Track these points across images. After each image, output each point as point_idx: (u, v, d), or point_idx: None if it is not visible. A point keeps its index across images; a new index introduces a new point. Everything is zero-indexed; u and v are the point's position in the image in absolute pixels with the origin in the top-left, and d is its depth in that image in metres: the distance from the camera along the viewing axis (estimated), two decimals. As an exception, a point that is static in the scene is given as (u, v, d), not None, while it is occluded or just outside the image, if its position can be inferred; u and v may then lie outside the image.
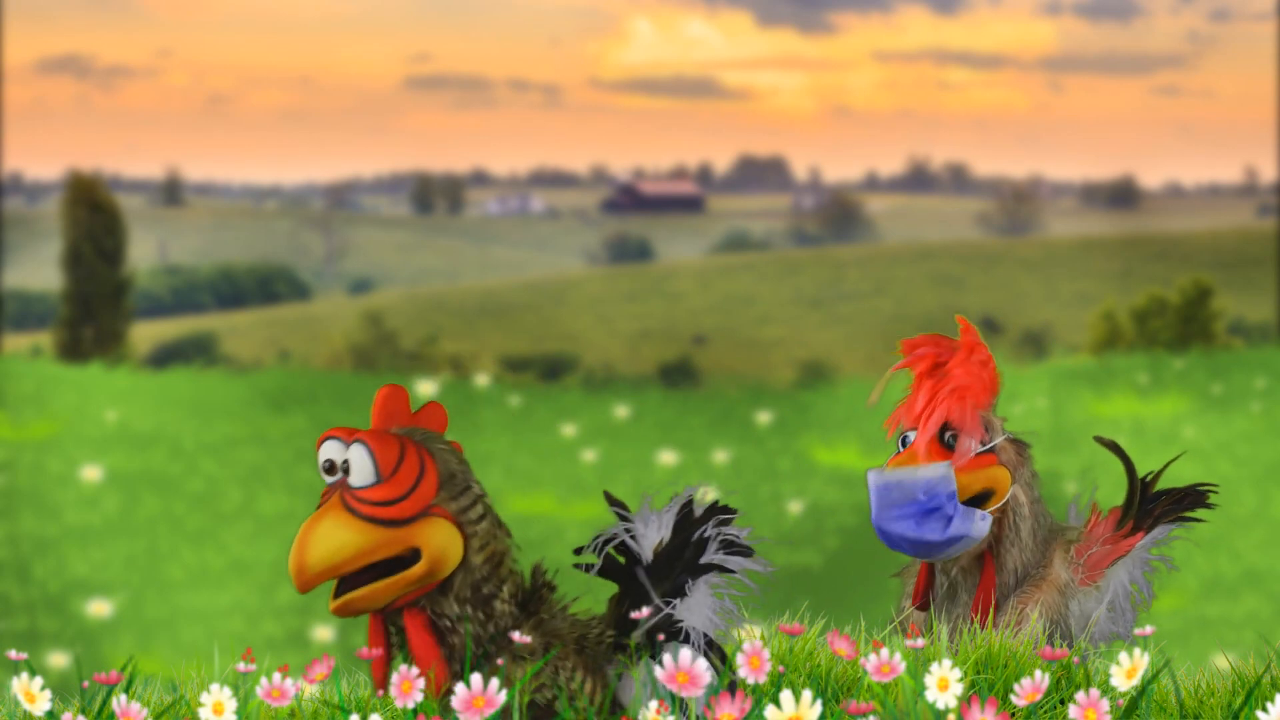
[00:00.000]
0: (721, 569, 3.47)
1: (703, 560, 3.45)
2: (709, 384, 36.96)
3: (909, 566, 4.21)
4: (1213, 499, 4.16)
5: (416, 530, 3.26)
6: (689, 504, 3.48)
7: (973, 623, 3.98)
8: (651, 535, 3.46)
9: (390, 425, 3.35)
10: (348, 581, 3.29)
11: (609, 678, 3.36)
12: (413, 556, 3.27)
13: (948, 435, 3.98)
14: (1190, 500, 4.16)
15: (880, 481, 3.94)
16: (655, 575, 3.42)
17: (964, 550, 3.97)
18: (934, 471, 3.91)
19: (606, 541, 3.46)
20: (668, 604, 3.41)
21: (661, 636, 3.40)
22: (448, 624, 3.32)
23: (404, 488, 3.26)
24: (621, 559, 3.46)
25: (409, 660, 3.34)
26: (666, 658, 3.20)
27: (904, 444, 4.03)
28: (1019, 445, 4.06)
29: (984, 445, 3.98)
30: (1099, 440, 4.20)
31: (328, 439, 3.30)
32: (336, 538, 3.23)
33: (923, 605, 4.10)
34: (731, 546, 3.48)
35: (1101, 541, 4.07)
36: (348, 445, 3.28)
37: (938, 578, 4.09)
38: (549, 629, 3.37)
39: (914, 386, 4.05)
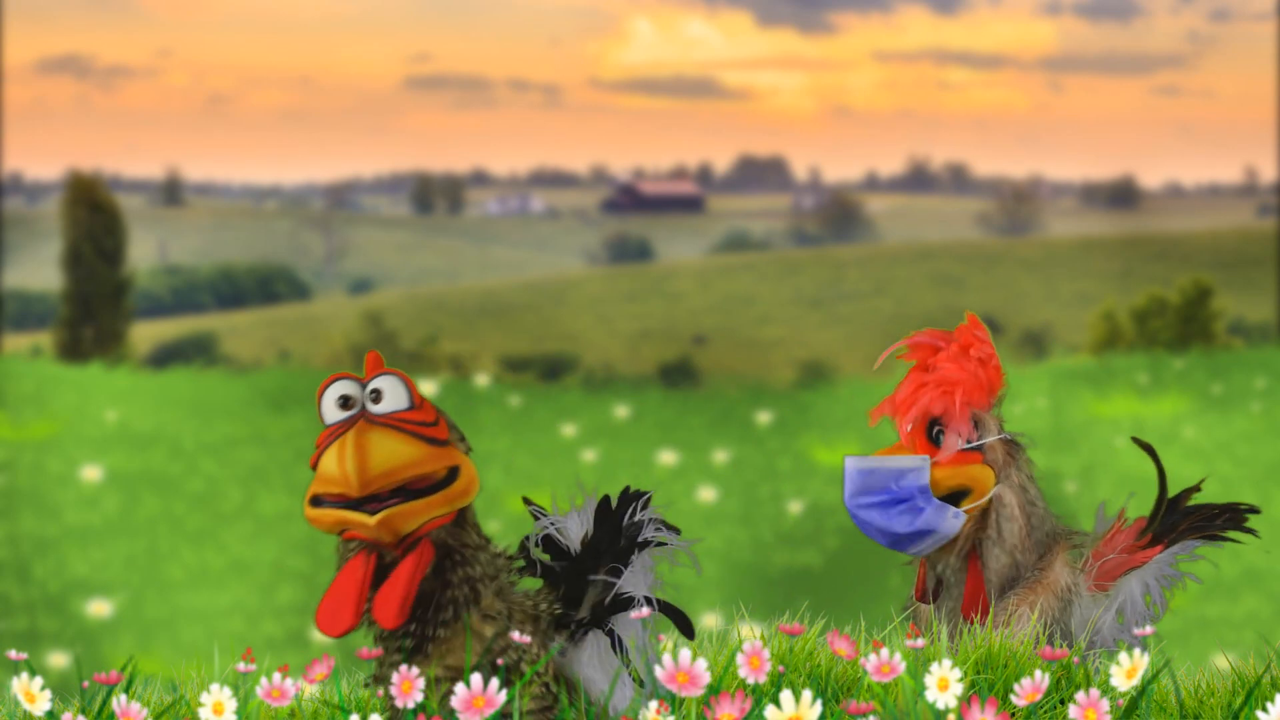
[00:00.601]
0: (660, 544, 3.57)
1: (641, 538, 3.54)
2: (709, 384, 36.97)
3: (915, 560, 4.21)
4: (1251, 521, 4.11)
5: (453, 452, 3.37)
6: (604, 498, 3.57)
7: (964, 622, 3.98)
8: (575, 529, 3.54)
9: None
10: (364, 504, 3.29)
11: (551, 650, 3.42)
12: (449, 477, 3.35)
13: (935, 430, 3.98)
14: (1225, 520, 4.12)
15: (856, 467, 3.97)
16: (593, 557, 3.50)
17: (937, 545, 3.97)
18: (909, 463, 3.93)
19: (534, 540, 3.55)
20: (613, 578, 3.48)
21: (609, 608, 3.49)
22: (468, 552, 3.37)
23: (433, 415, 3.36)
24: (548, 557, 3.53)
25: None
26: (666, 658, 3.21)
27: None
28: (1011, 446, 4.04)
29: (969, 443, 3.97)
30: (1136, 442, 4.18)
31: (339, 379, 3.37)
32: (390, 445, 3.29)
33: (923, 598, 4.10)
34: (664, 526, 3.59)
35: (1119, 550, 4.05)
36: (365, 382, 3.35)
37: (930, 573, 4.10)
38: (508, 596, 3.43)
39: (905, 377, 4.05)
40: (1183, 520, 4.09)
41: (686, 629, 3.54)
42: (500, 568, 3.43)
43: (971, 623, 3.95)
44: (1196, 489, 4.12)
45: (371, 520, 3.25)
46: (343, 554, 3.38)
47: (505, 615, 3.39)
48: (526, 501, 3.62)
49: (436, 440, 3.34)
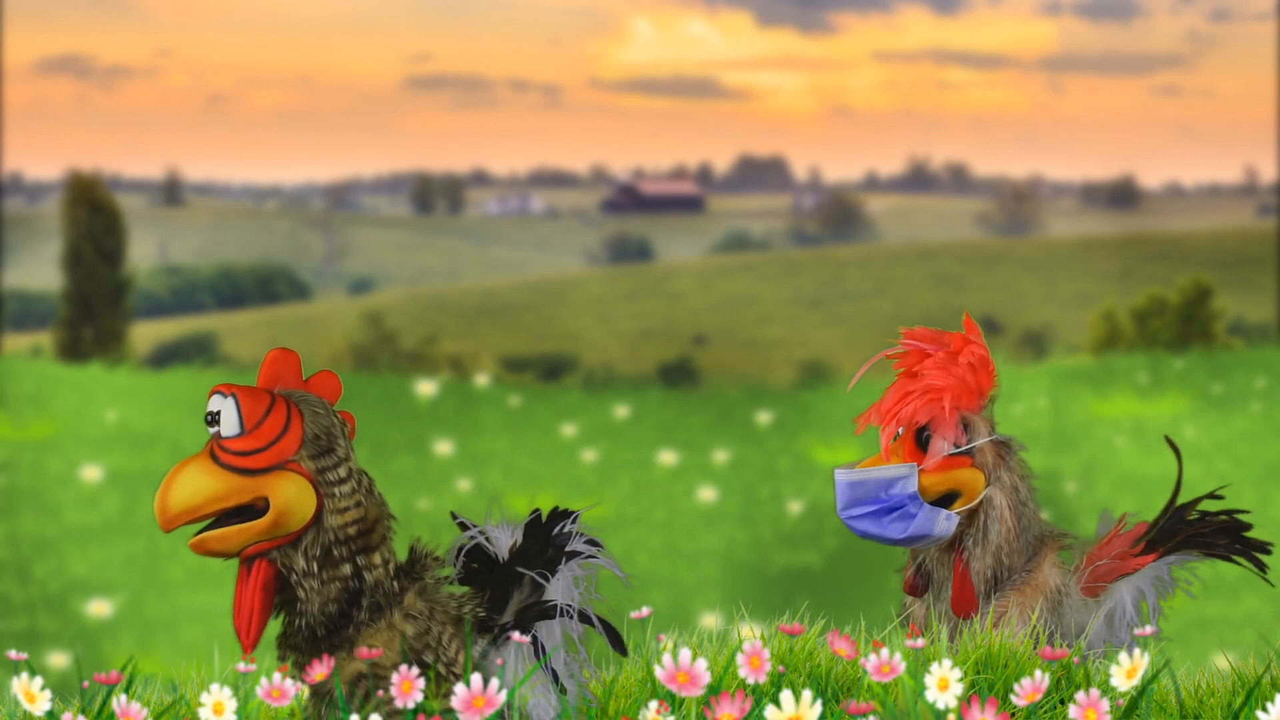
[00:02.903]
0: (588, 557, 3.60)
1: (569, 548, 3.58)
2: (709, 384, 36.95)
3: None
4: (1248, 536, 4.12)
5: (268, 481, 3.38)
6: (535, 512, 3.63)
7: (957, 619, 3.99)
8: (504, 539, 3.59)
9: (274, 386, 3.46)
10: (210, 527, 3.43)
11: (474, 651, 3.47)
12: (265, 507, 3.39)
13: (924, 435, 4.00)
14: (1228, 541, 4.10)
15: (846, 480, 3.99)
16: (520, 564, 3.56)
17: (934, 545, 4.00)
18: (897, 472, 3.96)
19: (463, 549, 3.60)
20: (539, 586, 3.53)
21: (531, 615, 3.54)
22: (294, 578, 3.41)
23: (264, 441, 3.38)
24: (475, 565, 3.59)
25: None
26: (666, 658, 3.21)
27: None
28: (1002, 448, 4.05)
29: (957, 448, 3.99)
30: (1168, 441, 4.20)
31: (215, 392, 3.44)
32: (195, 482, 3.36)
33: (912, 591, 4.12)
34: (590, 541, 3.62)
35: (1113, 556, 4.06)
36: (225, 398, 3.41)
37: (913, 565, 4.12)
38: (432, 596, 3.49)
39: (890, 386, 4.07)
40: (1181, 530, 4.09)
41: (617, 643, 3.58)
42: (413, 575, 3.47)
43: (963, 620, 3.96)
44: (1201, 499, 4.12)
45: (190, 544, 3.40)
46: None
47: (427, 615, 3.44)
48: (454, 517, 3.65)
49: (248, 470, 3.37)
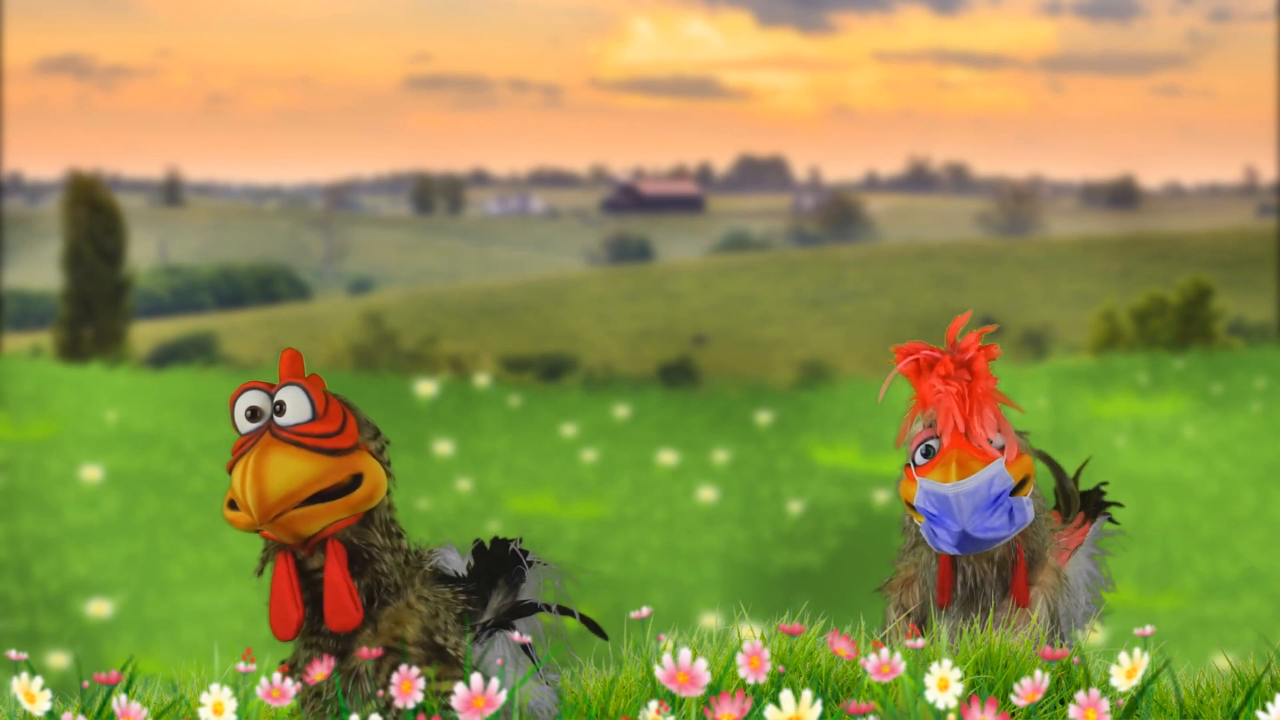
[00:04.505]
0: (540, 562, 3.68)
1: (529, 559, 3.66)
2: (709, 384, 36.97)
3: (911, 560, 4.21)
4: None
5: (356, 459, 3.43)
6: (478, 541, 3.69)
7: (1014, 609, 4.05)
8: (455, 561, 3.63)
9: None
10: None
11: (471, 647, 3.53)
12: (353, 483, 3.42)
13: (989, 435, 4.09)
14: (1101, 502, 4.36)
15: (960, 491, 4.01)
16: (489, 568, 3.64)
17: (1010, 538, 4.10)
18: (993, 470, 4.02)
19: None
20: (514, 587, 3.61)
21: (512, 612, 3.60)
22: (374, 551, 3.46)
23: (337, 423, 3.42)
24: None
25: (318, 605, 3.45)
26: (666, 658, 3.22)
27: (927, 454, 4.06)
28: (1023, 436, 4.19)
29: (1007, 438, 4.09)
30: (1040, 455, 4.36)
31: (248, 389, 3.46)
32: (290, 467, 3.37)
33: (947, 602, 4.14)
34: (532, 559, 3.71)
35: (1063, 534, 4.22)
36: (272, 392, 3.44)
37: (957, 575, 4.12)
38: (430, 585, 3.54)
39: (929, 394, 4.08)
40: (1093, 496, 4.35)
41: (597, 631, 3.66)
42: (413, 564, 3.54)
43: (1018, 608, 4.03)
44: (1079, 472, 4.37)
45: (270, 525, 3.38)
46: (265, 555, 3.49)
47: (433, 600, 3.49)
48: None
49: (338, 450, 3.41)
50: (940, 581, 4.14)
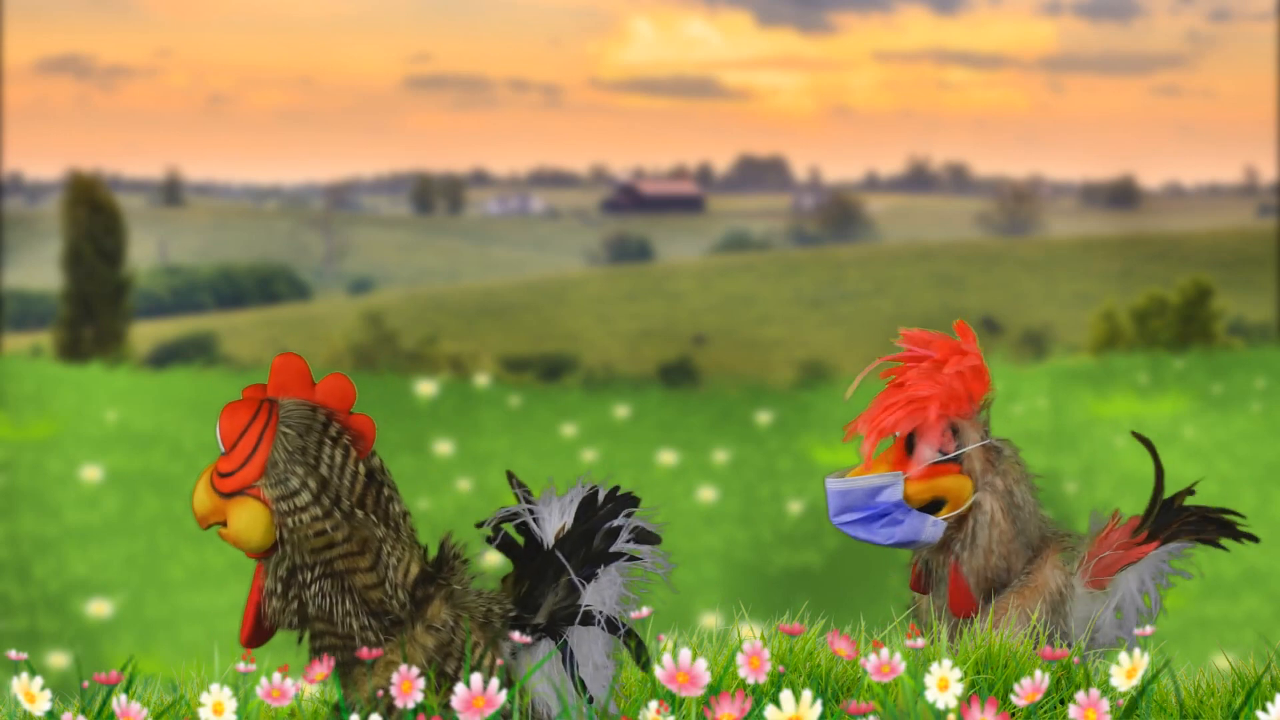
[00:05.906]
0: (632, 558, 3.49)
1: (613, 549, 3.47)
2: (709, 384, 36.97)
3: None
4: (1251, 521, 4.20)
5: (230, 506, 3.40)
6: (593, 491, 3.50)
7: (956, 619, 4.03)
8: (554, 520, 3.49)
9: (281, 395, 3.43)
10: None
11: (504, 653, 3.42)
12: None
13: (912, 443, 4.05)
14: (1216, 527, 4.16)
15: (835, 488, 4.07)
16: (562, 558, 3.46)
17: (925, 548, 4.06)
18: (882, 480, 4.05)
19: (508, 518, 3.51)
20: (575, 588, 3.44)
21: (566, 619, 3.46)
22: (304, 577, 3.41)
23: (234, 464, 3.41)
24: (520, 539, 3.49)
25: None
26: (666, 658, 3.21)
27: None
28: (992, 453, 4.08)
29: (944, 455, 4.03)
30: (1136, 437, 4.24)
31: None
32: (198, 495, 3.43)
33: (918, 587, 4.16)
34: (643, 535, 3.50)
35: (1115, 547, 4.09)
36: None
37: (919, 562, 4.16)
38: (459, 601, 3.43)
39: (876, 396, 4.12)
40: (1175, 520, 4.12)
41: (639, 655, 3.50)
42: (387, 605, 3.41)
43: (963, 620, 4.00)
44: (1190, 491, 4.16)
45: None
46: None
47: (451, 626, 3.39)
48: (510, 478, 3.56)
49: (220, 493, 3.40)
50: (912, 567, 4.19)
